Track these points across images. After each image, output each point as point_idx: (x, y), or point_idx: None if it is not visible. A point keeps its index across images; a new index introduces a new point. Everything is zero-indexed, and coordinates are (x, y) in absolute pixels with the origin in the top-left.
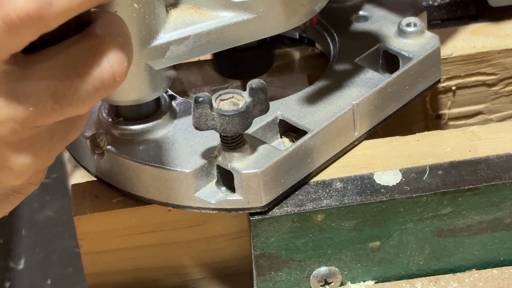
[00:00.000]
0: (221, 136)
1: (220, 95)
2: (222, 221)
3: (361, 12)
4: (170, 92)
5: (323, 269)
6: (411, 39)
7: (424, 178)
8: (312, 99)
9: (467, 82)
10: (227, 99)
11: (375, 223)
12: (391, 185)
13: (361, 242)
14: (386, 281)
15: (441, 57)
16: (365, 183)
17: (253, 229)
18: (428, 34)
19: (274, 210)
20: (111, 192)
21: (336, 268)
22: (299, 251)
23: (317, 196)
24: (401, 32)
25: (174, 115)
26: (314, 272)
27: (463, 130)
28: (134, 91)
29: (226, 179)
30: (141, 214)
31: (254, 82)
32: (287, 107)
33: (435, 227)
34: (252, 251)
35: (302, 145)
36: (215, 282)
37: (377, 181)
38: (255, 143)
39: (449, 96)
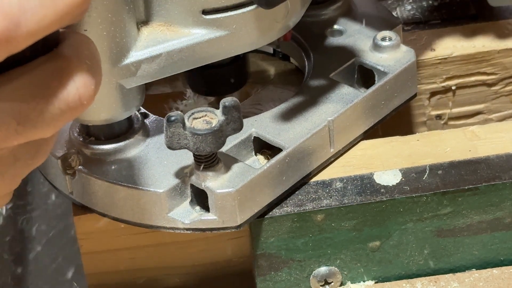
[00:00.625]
0: (194, 155)
1: (193, 113)
2: None
3: (335, 26)
4: (143, 110)
5: (323, 269)
6: (386, 53)
7: (424, 178)
8: (287, 115)
9: (467, 82)
10: (200, 118)
11: (375, 223)
12: (391, 185)
13: (361, 242)
14: (386, 281)
15: (442, 57)
16: (365, 183)
17: (253, 229)
18: (404, 48)
19: (274, 210)
20: None
21: (336, 268)
22: (299, 251)
23: (317, 196)
24: (376, 46)
25: (146, 133)
26: (314, 272)
27: (463, 130)
28: (105, 110)
29: (200, 198)
30: None
31: (227, 100)
32: (262, 124)
33: (435, 227)
34: (252, 251)
35: (277, 163)
36: (215, 282)
37: (377, 181)
38: (229, 161)
39: (449, 96)
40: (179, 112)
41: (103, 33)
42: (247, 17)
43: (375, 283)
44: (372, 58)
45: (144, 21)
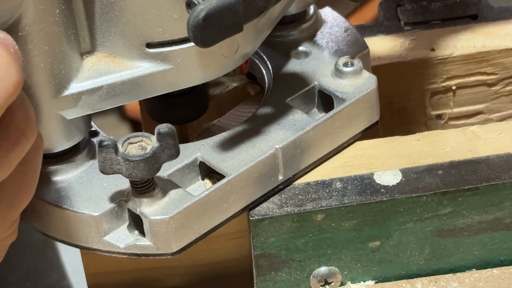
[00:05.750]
0: (130, 180)
1: (128, 138)
2: None
3: (301, 48)
4: (94, 128)
5: (323, 269)
6: (347, 79)
7: (424, 178)
8: (235, 141)
9: (467, 82)
10: (135, 143)
11: (375, 223)
12: (391, 185)
13: (361, 242)
14: (386, 281)
15: (442, 57)
16: (365, 183)
17: (253, 229)
18: (366, 74)
19: (274, 210)
20: None
21: (336, 268)
22: (299, 251)
23: (317, 196)
24: (337, 72)
25: (92, 153)
26: (314, 272)
27: (463, 130)
28: (46, 141)
29: (139, 222)
30: None
31: (162, 127)
32: (208, 149)
33: (435, 227)
34: (252, 251)
35: (217, 191)
36: (215, 282)
37: (377, 181)
38: (168, 187)
39: (449, 96)
40: (111, 137)
41: (40, 65)
42: (191, 52)
43: (375, 283)
44: (332, 84)
45: (90, 51)
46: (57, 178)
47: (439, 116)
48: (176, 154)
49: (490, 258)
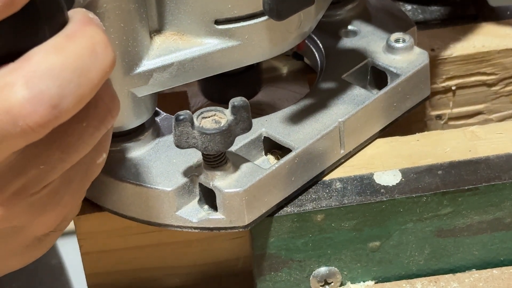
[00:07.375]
0: (203, 154)
1: (202, 113)
2: None
3: (350, 27)
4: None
5: (323, 269)
6: (399, 55)
7: (424, 178)
8: (298, 116)
9: (467, 82)
10: (209, 117)
11: (375, 223)
12: (391, 185)
13: (361, 242)
14: (386, 281)
15: (441, 57)
16: (365, 183)
17: (253, 229)
18: (417, 50)
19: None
20: None
21: (336, 268)
22: (299, 251)
23: (316, 196)
24: (389, 48)
25: (157, 131)
26: (314, 272)
27: (463, 130)
28: (117, 118)
29: (209, 197)
30: None
31: (236, 100)
32: (272, 124)
33: (435, 227)
34: (252, 251)
35: (286, 164)
36: (215, 282)
37: (377, 181)
38: (238, 161)
39: (449, 96)
40: (188, 111)
41: (115, 42)
42: (259, 28)
43: (375, 283)
44: (385, 60)
45: (157, 30)
46: (127, 155)
47: (439, 116)
48: (249, 127)
49: (490, 258)
